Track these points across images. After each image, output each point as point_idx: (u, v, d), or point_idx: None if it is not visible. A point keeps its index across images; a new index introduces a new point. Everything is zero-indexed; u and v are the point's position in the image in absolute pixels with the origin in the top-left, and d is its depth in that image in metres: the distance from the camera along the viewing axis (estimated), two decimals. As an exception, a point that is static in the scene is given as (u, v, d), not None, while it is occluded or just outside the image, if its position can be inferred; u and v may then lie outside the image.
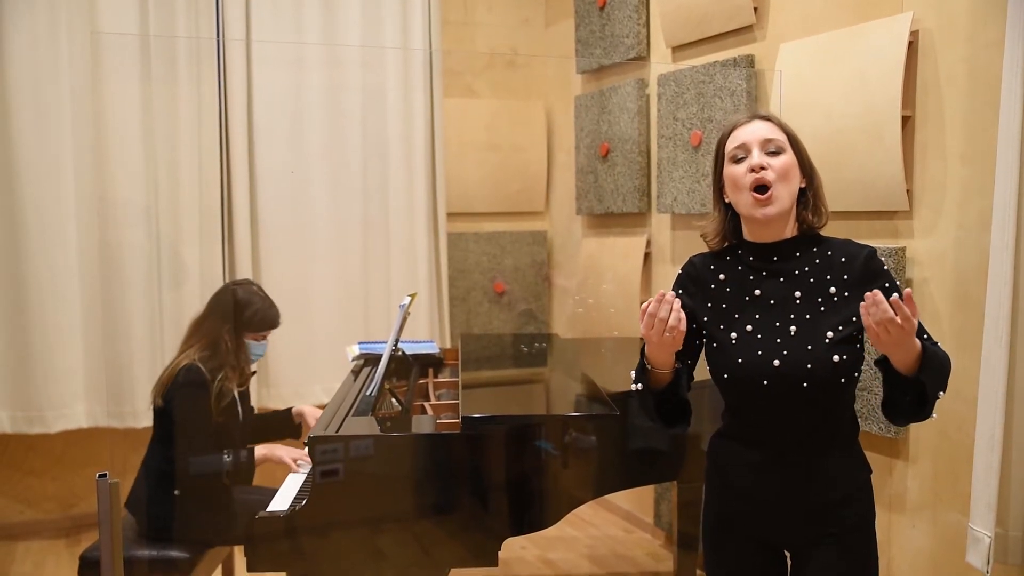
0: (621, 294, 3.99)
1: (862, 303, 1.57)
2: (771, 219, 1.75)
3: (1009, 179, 2.22)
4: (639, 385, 1.81)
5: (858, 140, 2.69)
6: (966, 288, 2.49)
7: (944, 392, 1.68)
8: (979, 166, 2.44)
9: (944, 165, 2.55)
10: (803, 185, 1.79)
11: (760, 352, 1.73)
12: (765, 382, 1.72)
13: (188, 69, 3.92)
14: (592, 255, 4.27)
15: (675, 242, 3.78)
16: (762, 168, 1.73)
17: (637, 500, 4.08)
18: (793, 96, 2.94)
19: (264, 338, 2.83)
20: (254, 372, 2.96)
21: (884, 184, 2.66)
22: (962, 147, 2.50)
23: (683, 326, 1.68)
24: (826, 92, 2.82)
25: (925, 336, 1.69)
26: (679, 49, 3.68)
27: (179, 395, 2.64)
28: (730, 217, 1.84)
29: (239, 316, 2.73)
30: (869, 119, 2.67)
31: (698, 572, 3.18)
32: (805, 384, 1.70)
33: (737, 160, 1.77)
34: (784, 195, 1.74)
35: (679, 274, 1.88)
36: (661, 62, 3.78)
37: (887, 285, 1.73)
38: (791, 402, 1.72)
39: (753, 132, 1.77)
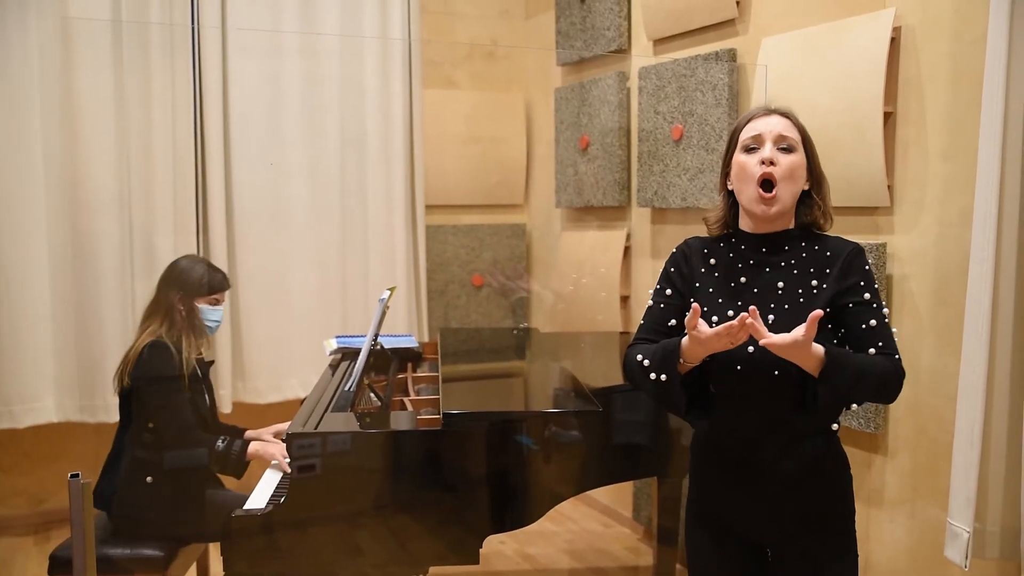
0: (601, 288, 3.97)
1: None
2: (770, 217, 1.79)
3: (990, 176, 2.22)
4: (663, 376, 1.74)
5: (840, 135, 2.69)
6: (947, 285, 2.50)
7: (859, 404, 1.72)
8: (961, 163, 2.44)
9: (925, 162, 2.55)
10: (807, 188, 1.82)
11: None
12: (739, 367, 1.75)
13: (162, 56, 3.83)
14: (571, 248, 4.25)
15: (655, 236, 3.77)
16: (771, 163, 1.76)
17: (616, 495, 4.08)
18: (775, 91, 2.93)
19: (218, 303, 2.81)
20: (210, 361, 2.93)
21: (865, 180, 2.66)
22: (944, 144, 2.50)
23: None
24: (808, 87, 2.81)
25: (880, 344, 1.71)
26: (660, 42, 3.66)
27: (148, 372, 2.62)
28: (730, 205, 1.87)
29: (187, 282, 2.77)
30: (851, 115, 2.67)
31: (677, 567, 3.19)
32: (776, 372, 1.72)
33: (749, 150, 1.80)
34: (787, 195, 1.78)
35: (674, 252, 1.90)
36: (642, 55, 3.76)
37: (862, 284, 1.76)
38: (763, 390, 1.74)
39: (770, 126, 1.80)
